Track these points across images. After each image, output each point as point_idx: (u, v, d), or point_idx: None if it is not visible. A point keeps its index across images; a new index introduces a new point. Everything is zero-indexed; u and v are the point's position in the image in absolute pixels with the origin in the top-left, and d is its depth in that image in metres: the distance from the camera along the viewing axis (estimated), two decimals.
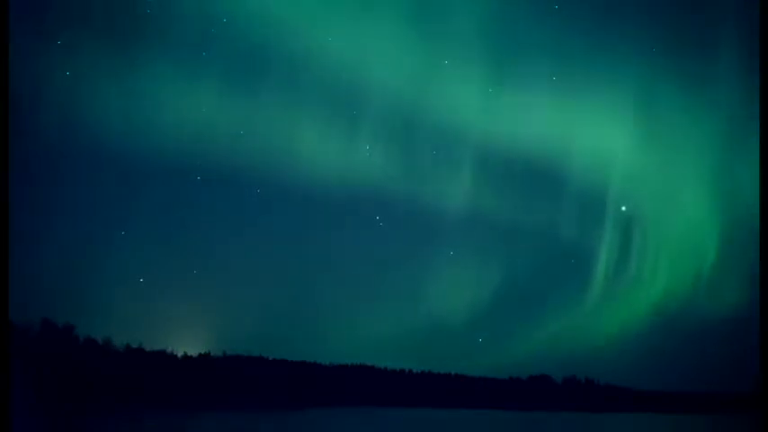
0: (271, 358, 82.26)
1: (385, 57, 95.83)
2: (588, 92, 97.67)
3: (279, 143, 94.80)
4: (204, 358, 76.65)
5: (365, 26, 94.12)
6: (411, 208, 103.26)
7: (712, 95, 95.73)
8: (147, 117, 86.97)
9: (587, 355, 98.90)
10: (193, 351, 76.86)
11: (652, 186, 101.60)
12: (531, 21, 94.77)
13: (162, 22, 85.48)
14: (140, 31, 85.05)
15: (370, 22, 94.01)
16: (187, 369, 71.01)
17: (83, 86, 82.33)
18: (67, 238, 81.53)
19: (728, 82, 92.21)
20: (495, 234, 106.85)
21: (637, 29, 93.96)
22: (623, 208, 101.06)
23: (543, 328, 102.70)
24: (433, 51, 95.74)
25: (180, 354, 74.97)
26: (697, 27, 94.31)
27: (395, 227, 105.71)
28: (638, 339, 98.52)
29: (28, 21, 75.54)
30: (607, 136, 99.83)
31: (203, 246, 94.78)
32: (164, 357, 71.08)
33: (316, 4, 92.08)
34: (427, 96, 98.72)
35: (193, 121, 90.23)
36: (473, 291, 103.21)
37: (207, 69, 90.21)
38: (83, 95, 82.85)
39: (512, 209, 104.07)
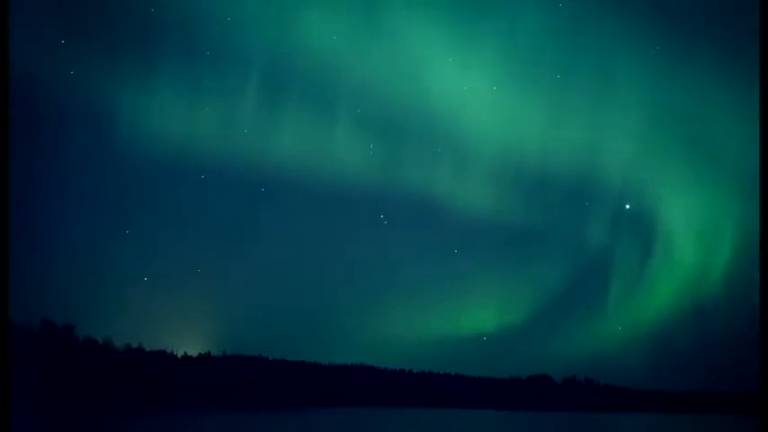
0: (271, 358, 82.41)
1: (389, 56, 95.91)
2: (590, 91, 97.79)
3: (283, 142, 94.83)
4: (204, 358, 76.73)
5: (370, 25, 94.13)
6: (415, 207, 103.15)
7: (718, 93, 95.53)
8: (150, 116, 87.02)
9: (588, 356, 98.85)
10: (193, 351, 77.04)
11: (655, 186, 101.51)
12: (537, 21, 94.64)
13: (165, 21, 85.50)
14: (143, 29, 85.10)
15: (375, 20, 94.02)
16: (187, 369, 71.04)
17: (86, 86, 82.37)
18: (68, 237, 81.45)
19: (734, 78, 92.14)
20: (500, 234, 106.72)
21: (643, 28, 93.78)
22: (627, 206, 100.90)
23: (546, 328, 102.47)
24: (437, 50, 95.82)
25: (180, 354, 75.14)
26: (702, 25, 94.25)
27: (398, 226, 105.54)
28: (638, 340, 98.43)
29: (31, 20, 75.58)
30: (610, 135, 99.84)
31: (206, 245, 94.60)
32: (164, 357, 71.12)
33: (319, 4, 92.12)
34: (429, 95, 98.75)
35: (197, 119, 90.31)
36: (476, 290, 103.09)
37: (210, 68, 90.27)
38: (86, 94, 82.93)
39: (517, 208, 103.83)
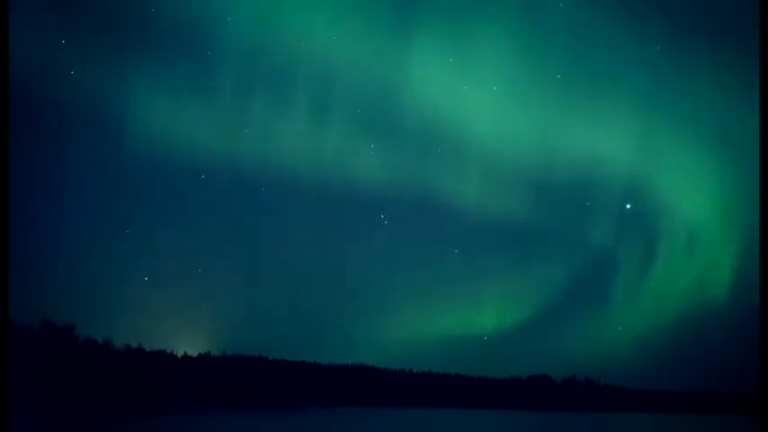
0: (271, 358, 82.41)
1: (390, 56, 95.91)
2: (591, 90, 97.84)
3: (283, 142, 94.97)
4: (204, 358, 76.74)
5: (370, 25, 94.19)
6: (416, 207, 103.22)
7: (720, 92, 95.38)
8: (151, 115, 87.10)
9: (588, 356, 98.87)
10: (193, 351, 77.05)
11: (657, 186, 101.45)
12: (538, 21, 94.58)
13: (166, 21, 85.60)
14: (144, 30, 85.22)
15: (375, 20, 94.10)
16: (187, 369, 71.06)
17: (86, 86, 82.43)
18: (68, 237, 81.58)
19: (736, 78, 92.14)
20: (500, 234, 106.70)
21: (643, 28, 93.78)
22: (628, 206, 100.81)
23: (547, 328, 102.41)
24: (437, 50, 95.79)
25: (180, 354, 75.16)
26: (703, 25, 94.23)
27: (400, 226, 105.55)
28: (638, 340, 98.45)
29: (31, 20, 75.60)
30: (612, 134, 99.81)
31: (206, 245, 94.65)
32: (164, 357, 71.13)
33: (319, 4, 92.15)
34: (429, 95, 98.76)
35: (197, 119, 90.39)
36: (476, 290, 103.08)
37: (211, 68, 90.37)
38: (86, 95, 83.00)
39: (518, 208, 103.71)
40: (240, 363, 76.94)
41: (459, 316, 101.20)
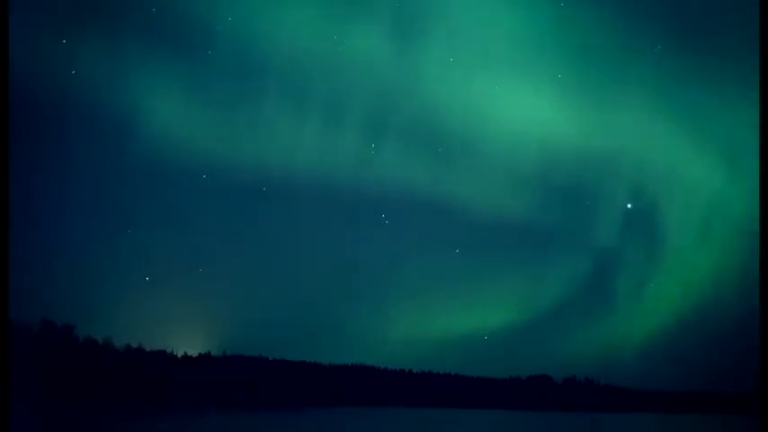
0: (271, 358, 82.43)
1: (390, 56, 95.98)
2: (592, 90, 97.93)
3: (284, 142, 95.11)
4: (204, 358, 76.75)
5: (369, 25, 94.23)
6: (416, 207, 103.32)
7: (719, 94, 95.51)
8: (152, 115, 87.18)
9: (588, 356, 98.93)
10: (193, 351, 77.08)
11: (659, 186, 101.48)
12: (539, 21, 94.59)
13: (167, 21, 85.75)
14: (145, 29, 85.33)
15: (374, 20, 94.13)
16: (187, 369, 71.06)
17: (87, 85, 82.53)
18: (68, 237, 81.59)
19: (732, 77, 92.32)
20: (500, 234, 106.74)
21: (644, 27, 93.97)
22: (629, 205, 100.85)
23: (547, 328, 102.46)
24: (438, 50, 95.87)
25: (180, 354, 75.19)
26: (703, 25, 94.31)
27: (400, 226, 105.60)
28: (639, 340, 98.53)
29: (33, 19, 75.67)
30: (613, 134, 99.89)
31: (207, 245, 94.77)
32: (164, 357, 71.14)
33: (321, 4, 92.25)
34: (430, 94, 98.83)
35: (198, 119, 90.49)
36: (476, 290, 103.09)
37: (212, 68, 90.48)
38: (87, 94, 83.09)
39: (519, 208, 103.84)
40: (240, 363, 76.94)
41: (459, 316, 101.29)
